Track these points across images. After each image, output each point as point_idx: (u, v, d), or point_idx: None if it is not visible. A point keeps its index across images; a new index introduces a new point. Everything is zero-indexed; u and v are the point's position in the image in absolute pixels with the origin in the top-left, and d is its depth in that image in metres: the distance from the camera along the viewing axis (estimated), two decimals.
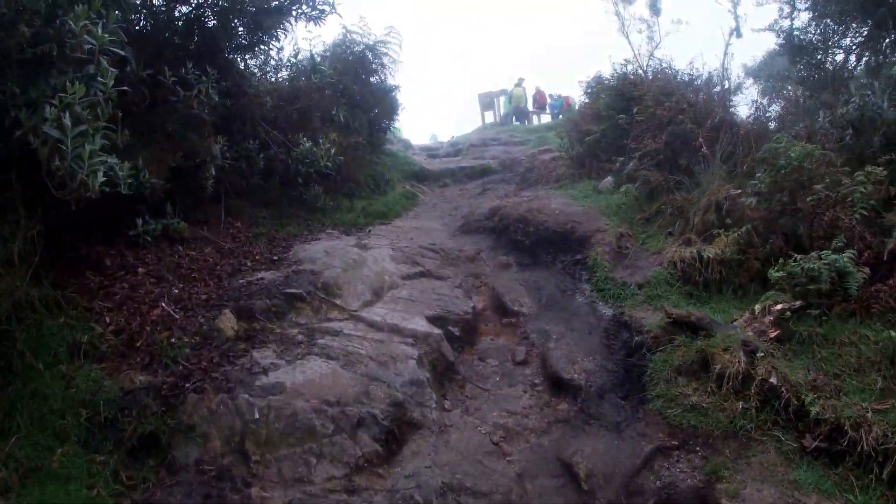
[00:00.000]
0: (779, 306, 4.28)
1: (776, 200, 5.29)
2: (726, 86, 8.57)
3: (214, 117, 6.66)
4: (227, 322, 4.68)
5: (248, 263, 6.07)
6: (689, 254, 5.35)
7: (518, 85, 23.54)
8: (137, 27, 6.97)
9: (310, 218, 8.05)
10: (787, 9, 10.21)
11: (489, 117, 24.37)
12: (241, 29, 7.49)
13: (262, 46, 7.81)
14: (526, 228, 7.03)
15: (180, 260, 5.83)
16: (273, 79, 9.31)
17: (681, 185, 6.62)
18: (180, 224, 6.17)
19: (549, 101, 25.08)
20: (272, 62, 9.38)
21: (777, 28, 10.32)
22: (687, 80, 8.58)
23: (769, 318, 4.26)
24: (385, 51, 12.20)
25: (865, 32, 9.15)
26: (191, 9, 7.12)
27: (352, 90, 11.10)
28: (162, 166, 6.26)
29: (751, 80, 17.19)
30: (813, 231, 5.24)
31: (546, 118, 25.18)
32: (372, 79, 12.39)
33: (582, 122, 10.40)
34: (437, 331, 4.91)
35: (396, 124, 23.14)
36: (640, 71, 9.55)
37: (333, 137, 9.21)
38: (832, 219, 5.19)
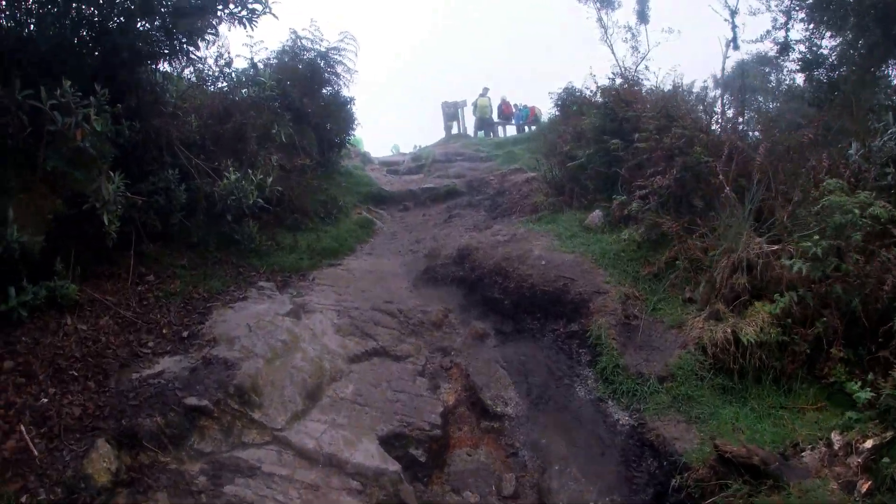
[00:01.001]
0: (869, 443, 3.04)
1: (830, 266, 4.12)
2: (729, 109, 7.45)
3: (110, 147, 5.12)
4: (101, 461, 3.18)
5: (151, 343, 4.55)
6: (722, 335, 4.10)
7: (483, 95, 22.31)
8: (20, 32, 5.43)
9: (241, 264, 6.54)
10: (782, 18, 9.26)
11: (454, 128, 23.06)
12: (153, 33, 5.99)
13: (181, 55, 6.29)
14: (504, 284, 5.69)
15: (63, 342, 4.26)
16: (204, 93, 7.78)
17: (693, 229, 5.43)
18: (69, 287, 4.60)
19: (514, 111, 23.97)
20: (206, 73, 7.86)
21: (773, 38, 9.32)
22: (690, 98, 7.43)
23: (856, 459, 3.02)
24: (339, 58, 10.73)
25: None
26: (87, 7, 5.60)
27: (300, 104, 9.60)
28: (39, 217, 4.75)
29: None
30: (872, 304, 4.10)
31: (512, 129, 24.07)
32: (324, 90, 10.91)
33: (561, 143, 9.17)
34: (392, 467, 3.45)
35: (355, 137, 21.77)
36: (631, 85, 8.35)
37: (274, 161, 7.74)
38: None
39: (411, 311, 5.65)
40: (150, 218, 6.06)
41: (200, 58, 8.31)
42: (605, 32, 13.78)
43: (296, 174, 8.60)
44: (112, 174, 5.08)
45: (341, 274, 6.87)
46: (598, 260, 5.77)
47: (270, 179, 6.90)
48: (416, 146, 32.26)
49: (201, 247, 6.55)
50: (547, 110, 26.00)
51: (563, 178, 8.83)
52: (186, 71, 7.22)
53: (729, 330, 4.13)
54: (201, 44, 6.51)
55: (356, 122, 12.33)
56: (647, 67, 11.77)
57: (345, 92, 11.19)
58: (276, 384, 3.93)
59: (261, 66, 9.83)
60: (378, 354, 4.81)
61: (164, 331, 4.80)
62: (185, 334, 4.71)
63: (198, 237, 6.47)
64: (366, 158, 16.40)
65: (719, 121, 6.61)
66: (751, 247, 4.59)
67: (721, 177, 5.26)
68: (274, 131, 7.81)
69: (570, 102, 15.49)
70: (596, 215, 7.17)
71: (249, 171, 6.51)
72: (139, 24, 5.76)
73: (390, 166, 16.22)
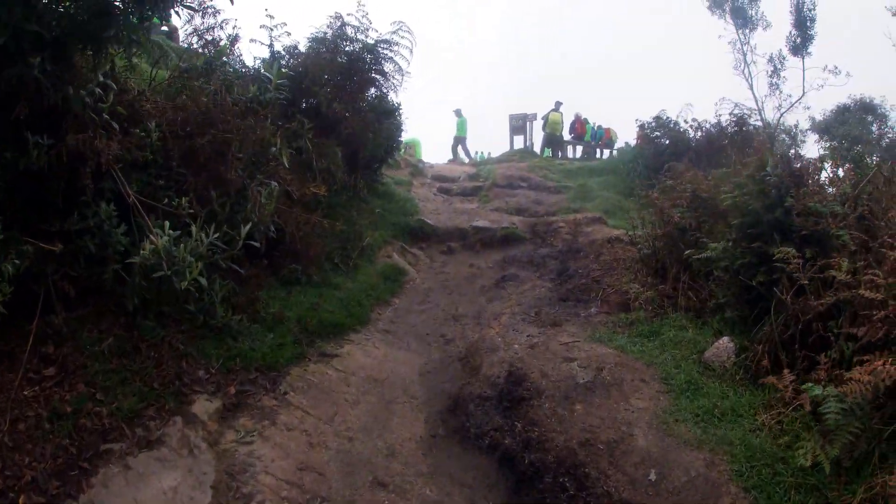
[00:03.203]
0: None
1: None
2: None
3: None
4: None
5: None
6: None
7: (555, 109, 19.62)
8: None
9: (189, 351, 4.21)
10: None
11: (519, 142, 20.46)
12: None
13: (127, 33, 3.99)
14: (580, 498, 3.17)
15: None
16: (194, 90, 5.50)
17: None
18: None
19: (588, 131, 21.23)
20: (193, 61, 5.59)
21: None
22: None
23: None
24: (390, 54, 8.33)
25: None
26: None
27: (328, 109, 7.26)
28: None
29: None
30: None
31: (580, 149, 21.34)
32: (368, 93, 8.57)
33: (666, 204, 6.49)
34: None
35: (412, 138, 19.34)
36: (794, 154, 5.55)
37: (273, 191, 5.42)
38: None
39: None
40: (70, 272, 3.90)
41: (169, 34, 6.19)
42: (745, 58, 10.79)
43: (305, 206, 6.27)
44: None
45: (330, 383, 4.47)
46: (745, 475, 3.16)
47: (247, 228, 4.57)
48: (477, 153, 29.94)
49: (139, 317, 4.30)
50: (626, 137, 23.09)
51: (666, 257, 6.18)
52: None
53: None
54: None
55: (404, 131, 10.01)
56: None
57: (392, 97, 8.82)
58: None
59: (284, 54, 7.59)
60: None
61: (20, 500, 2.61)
62: None
63: (133, 303, 4.20)
64: (416, 170, 14.02)
65: None
66: None
67: None
68: (274, 149, 5.46)
69: (663, 135, 12.73)
70: (724, 346, 4.51)
71: (193, 226, 4.14)
72: None
73: (444, 181, 13.82)
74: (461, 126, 19.86)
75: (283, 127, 5.95)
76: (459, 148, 19.89)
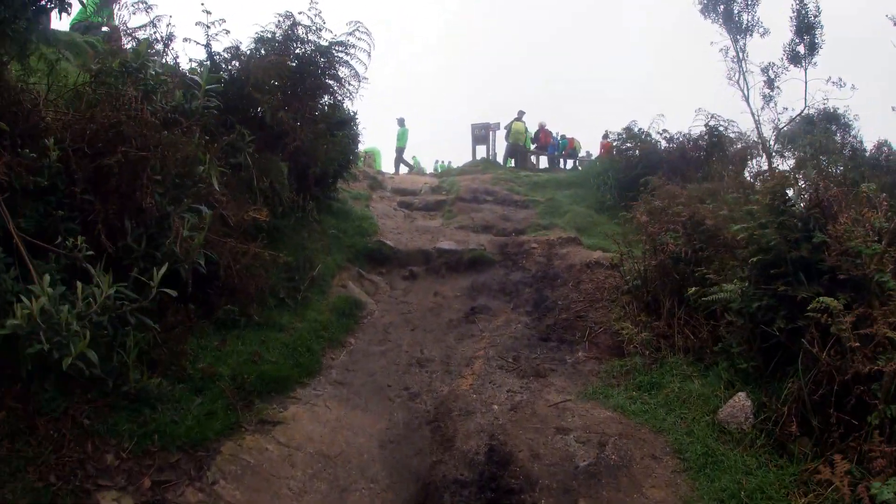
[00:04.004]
0: None
1: None
2: None
3: None
4: None
5: None
6: None
7: (518, 119, 19.05)
8: None
9: (94, 428, 3.20)
10: None
11: (481, 152, 19.78)
12: None
13: None
14: None
15: None
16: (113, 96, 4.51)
17: None
18: None
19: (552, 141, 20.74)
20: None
21: None
22: None
23: None
24: (346, 58, 7.45)
25: None
26: None
27: (273, 119, 6.32)
28: None
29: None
30: None
31: (544, 160, 20.85)
32: (321, 101, 7.66)
33: (654, 227, 5.83)
34: None
35: (372, 147, 18.42)
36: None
37: (202, 217, 4.46)
38: None
39: None
40: None
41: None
42: (740, 67, 10.21)
43: (244, 233, 5.32)
44: None
45: (271, 464, 3.56)
46: None
47: (162, 271, 3.62)
48: (437, 162, 29.10)
49: (35, 383, 3.30)
50: (587, 145, 22.71)
51: (658, 289, 5.50)
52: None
53: None
54: None
55: (361, 143, 9.14)
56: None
57: (348, 104, 7.92)
58: None
59: (226, 56, 6.65)
60: None
61: None
62: None
63: (27, 367, 3.20)
64: (375, 182, 13.11)
65: None
66: None
67: None
68: (202, 169, 4.51)
69: (633, 147, 12.19)
70: (740, 406, 3.81)
71: (94, 271, 3.20)
72: None
73: (404, 195, 12.97)
74: (402, 136, 19.09)
75: (217, 141, 4.98)
76: (402, 162, 19.25)
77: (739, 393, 3.96)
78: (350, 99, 7.44)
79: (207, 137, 5.05)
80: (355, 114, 8.23)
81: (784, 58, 10.78)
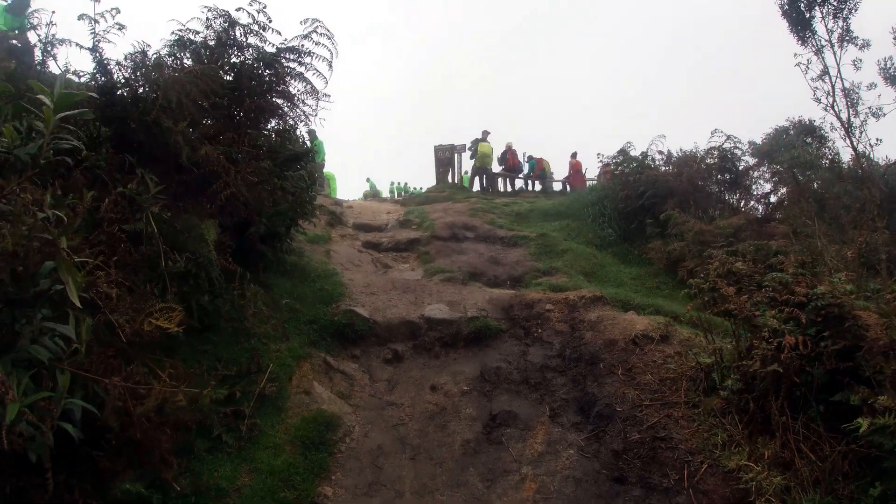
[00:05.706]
0: None
1: None
2: None
3: None
4: None
5: None
6: None
7: (483, 139, 17.39)
8: None
9: None
10: None
11: (448, 176, 17.97)
12: None
13: None
14: None
15: None
16: None
17: None
18: None
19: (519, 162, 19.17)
20: None
21: None
22: None
23: None
24: (299, 68, 5.45)
25: None
26: None
27: (193, 156, 4.23)
28: None
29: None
30: None
31: (518, 182, 19.24)
32: (266, 126, 5.62)
33: (776, 323, 4.07)
34: None
35: (322, 155, 16.02)
36: None
37: (62, 346, 2.40)
38: None
39: None
40: None
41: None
42: (833, 89, 8.54)
43: (147, 346, 3.24)
44: None
45: None
46: None
47: None
48: (393, 183, 27.07)
49: None
50: (591, 169, 21.13)
51: (772, 401, 3.71)
52: None
53: None
54: None
55: (323, 182, 7.11)
56: None
57: (302, 131, 5.93)
58: None
59: (126, 65, 4.59)
60: None
61: None
62: None
63: None
64: (334, 217, 11.02)
65: None
66: None
67: None
68: (50, 264, 2.43)
69: (634, 172, 10.62)
70: None
71: None
72: None
73: (369, 231, 10.98)
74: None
75: (96, 196, 2.89)
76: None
77: None
78: (310, 120, 5.43)
79: (73, 196, 2.96)
80: (312, 144, 6.20)
81: (880, 76, 9.53)
